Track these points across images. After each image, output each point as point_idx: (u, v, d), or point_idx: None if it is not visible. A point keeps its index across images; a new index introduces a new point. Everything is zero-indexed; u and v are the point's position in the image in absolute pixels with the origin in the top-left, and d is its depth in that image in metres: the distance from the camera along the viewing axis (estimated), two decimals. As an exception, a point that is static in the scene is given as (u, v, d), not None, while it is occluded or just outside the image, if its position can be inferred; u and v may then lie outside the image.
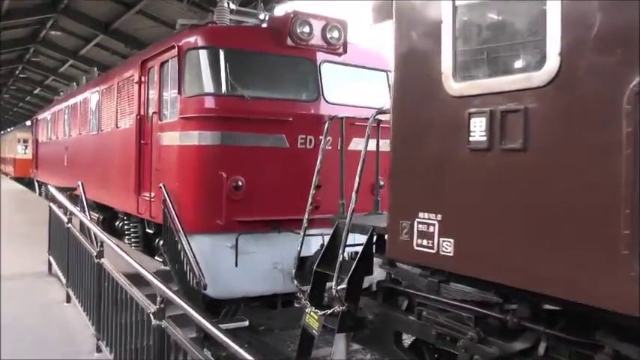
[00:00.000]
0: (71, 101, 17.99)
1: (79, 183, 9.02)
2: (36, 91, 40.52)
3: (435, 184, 4.46)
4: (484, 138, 4.07)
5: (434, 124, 4.48)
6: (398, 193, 4.85)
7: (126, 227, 12.10)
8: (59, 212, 7.49)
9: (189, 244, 8.19)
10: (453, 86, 4.28)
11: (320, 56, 9.30)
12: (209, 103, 8.38)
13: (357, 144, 9.58)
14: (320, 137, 8.98)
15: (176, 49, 8.79)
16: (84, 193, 8.81)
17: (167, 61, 9.40)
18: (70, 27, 22.76)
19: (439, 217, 4.42)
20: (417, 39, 4.58)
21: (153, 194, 9.75)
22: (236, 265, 8.51)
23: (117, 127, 12.27)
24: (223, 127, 8.34)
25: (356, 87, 10.00)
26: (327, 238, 9.06)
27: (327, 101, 9.19)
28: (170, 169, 9.05)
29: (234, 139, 8.41)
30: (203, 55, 8.52)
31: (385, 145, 9.98)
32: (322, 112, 9.08)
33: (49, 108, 23.42)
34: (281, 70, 9.12)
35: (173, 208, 8.55)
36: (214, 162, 8.40)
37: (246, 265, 8.59)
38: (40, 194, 24.79)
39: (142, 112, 10.53)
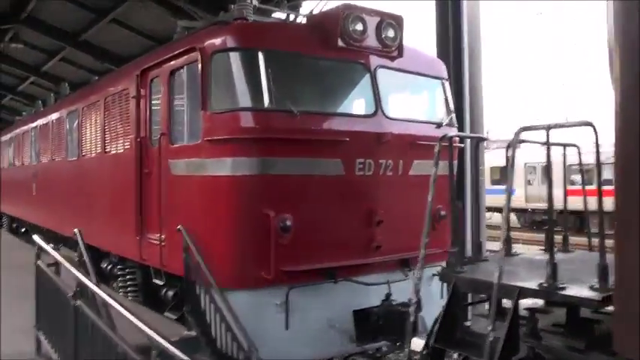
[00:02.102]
0: (39, 122, 15.68)
1: (76, 231, 6.88)
2: (-10, 112, 37.43)
3: None
4: None
5: None
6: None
7: (119, 273, 9.95)
8: (55, 278, 5.42)
9: (227, 304, 6.23)
10: None
11: (374, 60, 7.49)
12: (246, 120, 6.44)
13: (420, 167, 7.81)
14: (380, 161, 7.21)
15: (197, 52, 6.83)
16: (82, 242, 6.68)
17: (181, 68, 7.43)
18: (33, 39, 20.34)
19: None
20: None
21: (163, 237, 7.72)
22: (286, 328, 6.57)
23: (105, 152, 10.16)
24: (265, 152, 6.42)
25: (412, 98, 8.23)
26: (395, 287, 7.36)
27: (386, 116, 7.37)
28: (192, 206, 7.04)
29: (278, 166, 6.49)
30: (236, 58, 6.59)
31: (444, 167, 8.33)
32: (382, 129, 7.25)
33: (10, 130, 20.92)
34: (332, 77, 7.28)
35: (200, 258, 6.56)
36: (255, 197, 6.46)
37: (298, 326, 6.69)
38: (0, 225, 22.13)
39: (142, 134, 8.50)
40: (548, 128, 4.79)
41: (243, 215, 6.46)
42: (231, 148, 6.44)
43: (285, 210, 6.50)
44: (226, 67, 6.60)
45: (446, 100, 8.56)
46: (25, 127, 17.80)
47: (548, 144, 4.84)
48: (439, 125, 8.16)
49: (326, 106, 7.15)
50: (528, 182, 34.70)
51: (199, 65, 6.77)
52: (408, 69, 7.99)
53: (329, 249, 6.99)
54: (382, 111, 7.35)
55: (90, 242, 10.80)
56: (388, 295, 7.33)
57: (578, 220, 31.57)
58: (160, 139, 7.81)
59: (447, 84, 8.64)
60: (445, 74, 8.72)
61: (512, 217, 30.47)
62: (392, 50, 7.66)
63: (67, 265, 5.24)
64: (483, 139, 6.21)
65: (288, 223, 6.52)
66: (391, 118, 7.43)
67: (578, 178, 30.78)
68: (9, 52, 21.75)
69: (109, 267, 10.45)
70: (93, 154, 10.91)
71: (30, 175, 16.29)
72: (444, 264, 8.65)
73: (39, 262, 6.05)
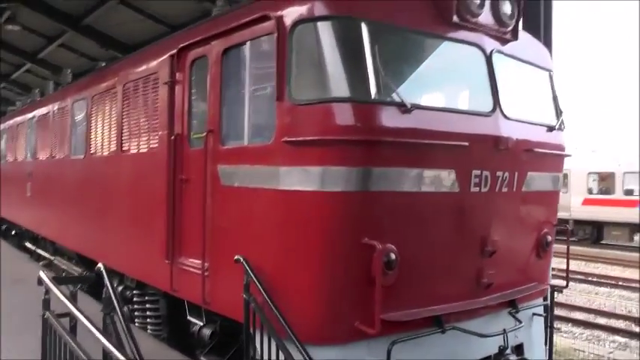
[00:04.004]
0: (37, 112, 13.83)
1: (101, 267, 5.06)
2: (-22, 102, 35.15)
3: None
4: None
5: None
6: None
7: (136, 299, 8.17)
8: (71, 342, 3.67)
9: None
10: None
11: (489, 43, 5.79)
12: (344, 115, 4.67)
13: (533, 182, 6.16)
14: (497, 173, 5.52)
15: (272, 21, 5.07)
16: (111, 285, 4.82)
17: (241, 44, 5.66)
18: (31, 22, 18.40)
19: None
20: None
21: (207, 265, 5.96)
22: (385, 398, 4.84)
23: (122, 151, 8.37)
24: (369, 160, 4.67)
25: (523, 93, 6.53)
26: (514, 337, 5.74)
27: (504, 115, 5.68)
28: (256, 230, 5.27)
29: (385, 180, 4.75)
30: (329, 31, 4.81)
31: (546, 181, 6.65)
32: (501, 132, 5.56)
33: (2, 121, 19.02)
34: (443, 62, 5.55)
35: (272, 301, 4.82)
36: (354, 221, 4.71)
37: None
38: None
39: (177, 130, 6.73)
40: None
41: (335, 246, 4.70)
42: (320, 154, 4.69)
43: (388, 239, 4.77)
44: (315, 43, 4.83)
45: (554, 96, 6.90)
46: (19, 119, 15.91)
47: None
48: (551, 128, 6.53)
49: (439, 99, 5.45)
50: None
51: (275, 40, 5.01)
52: (520, 56, 6.32)
53: (435, 289, 5.31)
54: (500, 109, 5.66)
55: (98, 260, 9.06)
56: (503, 349, 5.66)
57: (595, 231, 30.27)
58: (205, 137, 6.04)
59: (554, 77, 6.99)
60: (552, 64, 7.05)
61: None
62: (507, 31, 5.98)
63: (95, 330, 3.48)
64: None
65: (393, 256, 4.79)
66: (509, 118, 5.74)
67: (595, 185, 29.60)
68: (4, 36, 19.80)
69: (121, 289, 8.67)
70: (105, 153, 9.11)
71: (24, 174, 14.42)
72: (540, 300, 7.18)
73: (49, 315, 4.24)
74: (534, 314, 6.71)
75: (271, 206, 5.06)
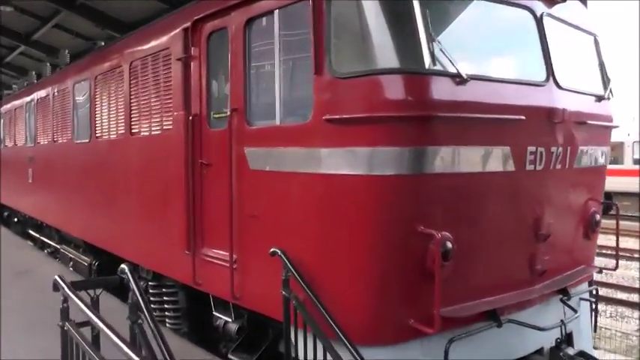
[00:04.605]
0: (35, 95, 13.23)
1: (125, 268, 4.53)
2: (-28, 87, 34.32)
3: None
4: None
5: None
6: None
7: (152, 291, 7.70)
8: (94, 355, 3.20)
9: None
10: None
11: (538, 5, 5.26)
12: (394, 88, 4.14)
13: (583, 158, 5.68)
14: (552, 149, 5.03)
15: (306, -14, 4.52)
16: (138, 289, 4.29)
17: (268, 13, 5.10)
18: (23, 3, 17.64)
19: None
20: None
21: (236, 257, 5.48)
22: (445, 403, 4.41)
23: (132, 134, 7.84)
24: (424, 138, 4.17)
25: (572, 60, 5.99)
26: (572, 327, 5.35)
27: (558, 85, 5.17)
28: (294, 218, 4.77)
29: (440, 160, 4.24)
30: (374, -5, 4.28)
31: (596, 155, 6.15)
32: (556, 103, 5.06)
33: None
34: (493, 27, 5.01)
35: (316, 299, 4.35)
36: (407, 208, 4.22)
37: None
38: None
39: (196, 110, 6.20)
40: None
41: (385, 236, 4.21)
42: (367, 133, 4.18)
43: (442, 226, 4.29)
44: (357, 9, 4.29)
45: (600, 63, 6.37)
46: (17, 102, 15.30)
47: None
48: (600, 98, 6.02)
49: (493, 68, 4.92)
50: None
51: (310, 6, 4.46)
52: (567, 19, 5.78)
53: (488, 279, 4.85)
54: (554, 78, 5.15)
55: (113, 251, 8.61)
56: (560, 342, 5.23)
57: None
58: (229, 117, 5.51)
59: (600, 42, 6.45)
60: (597, 28, 6.51)
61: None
62: (556, -8, 5.45)
63: (123, 346, 3.00)
64: None
65: (450, 245, 4.31)
66: (562, 88, 5.23)
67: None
68: (-4, 19, 19.05)
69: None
70: (113, 136, 8.57)
71: (25, 159, 13.87)
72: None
73: (68, 326, 3.75)
74: (581, 299, 6.29)
75: (311, 192, 4.56)
